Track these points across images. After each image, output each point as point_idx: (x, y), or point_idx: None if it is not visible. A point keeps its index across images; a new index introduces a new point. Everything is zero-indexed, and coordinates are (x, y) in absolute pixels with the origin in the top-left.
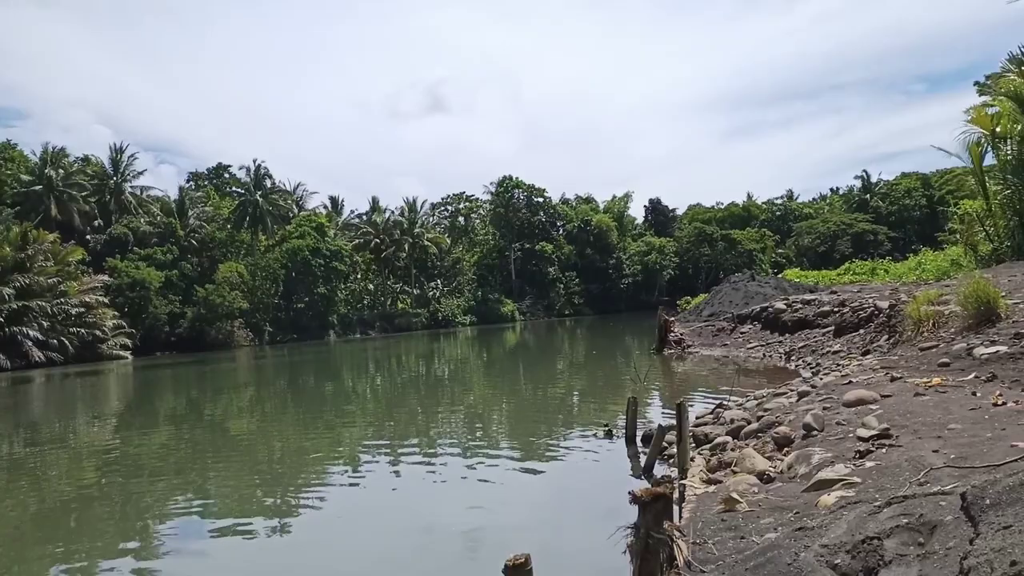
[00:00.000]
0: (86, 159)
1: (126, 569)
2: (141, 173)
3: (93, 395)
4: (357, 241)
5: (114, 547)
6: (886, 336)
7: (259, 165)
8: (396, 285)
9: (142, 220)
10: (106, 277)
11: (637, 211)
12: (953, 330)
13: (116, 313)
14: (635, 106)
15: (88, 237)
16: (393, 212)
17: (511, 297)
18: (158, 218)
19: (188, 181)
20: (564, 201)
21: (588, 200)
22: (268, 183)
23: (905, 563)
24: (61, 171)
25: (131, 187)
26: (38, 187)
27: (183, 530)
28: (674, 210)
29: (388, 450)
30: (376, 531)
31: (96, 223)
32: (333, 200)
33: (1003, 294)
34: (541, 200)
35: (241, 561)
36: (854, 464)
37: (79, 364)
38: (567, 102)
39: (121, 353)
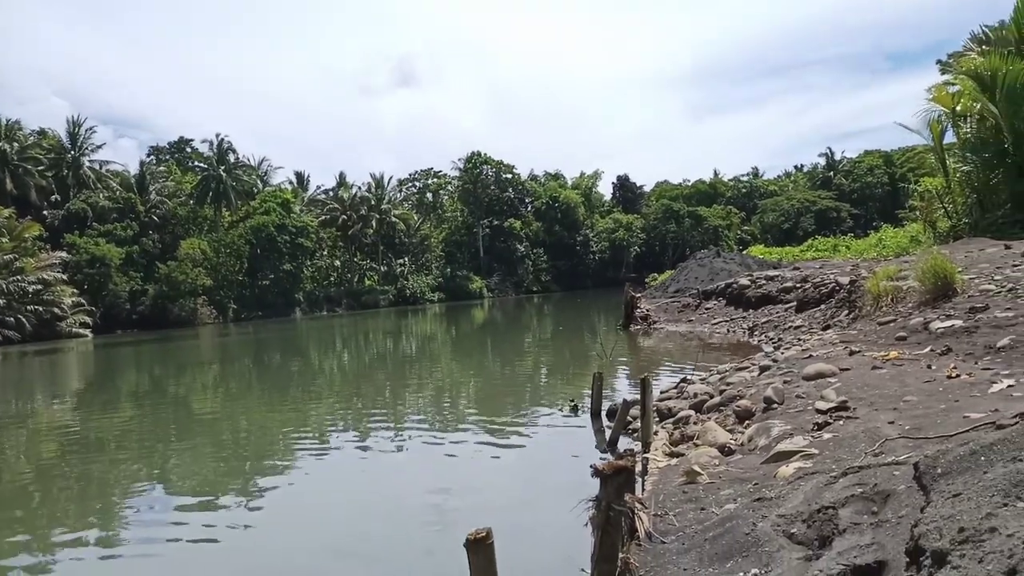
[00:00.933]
0: (42, 132)
1: (88, 549)
2: (100, 147)
3: (52, 373)
4: (323, 217)
5: (76, 526)
6: (846, 311)
7: (222, 139)
8: (363, 262)
9: (101, 195)
10: (64, 254)
11: (605, 188)
12: (911, 305)
13: (75, 290)
14: (604, 82)
15: (45, 212)
16: (360, 188)
17: (479, 274)
18: (118, 193)
19: (149, 155)
20: (533, 177)
21: (556, 176)
22: (232, 158)
23: (859, 531)
24: (16, 144)
25: (89, 161)
26: None
27: (146, 509)
28: (642, 187)
29: (355, 427)
30: (341, 508)
31: (53, 198)
32: (299, 175)
33: (959, 270)
34: (510, 176)
35: (203, 539)
36: (812, 436)
37: (37, 342)
38: (536, 78)
39: (81, 331)
